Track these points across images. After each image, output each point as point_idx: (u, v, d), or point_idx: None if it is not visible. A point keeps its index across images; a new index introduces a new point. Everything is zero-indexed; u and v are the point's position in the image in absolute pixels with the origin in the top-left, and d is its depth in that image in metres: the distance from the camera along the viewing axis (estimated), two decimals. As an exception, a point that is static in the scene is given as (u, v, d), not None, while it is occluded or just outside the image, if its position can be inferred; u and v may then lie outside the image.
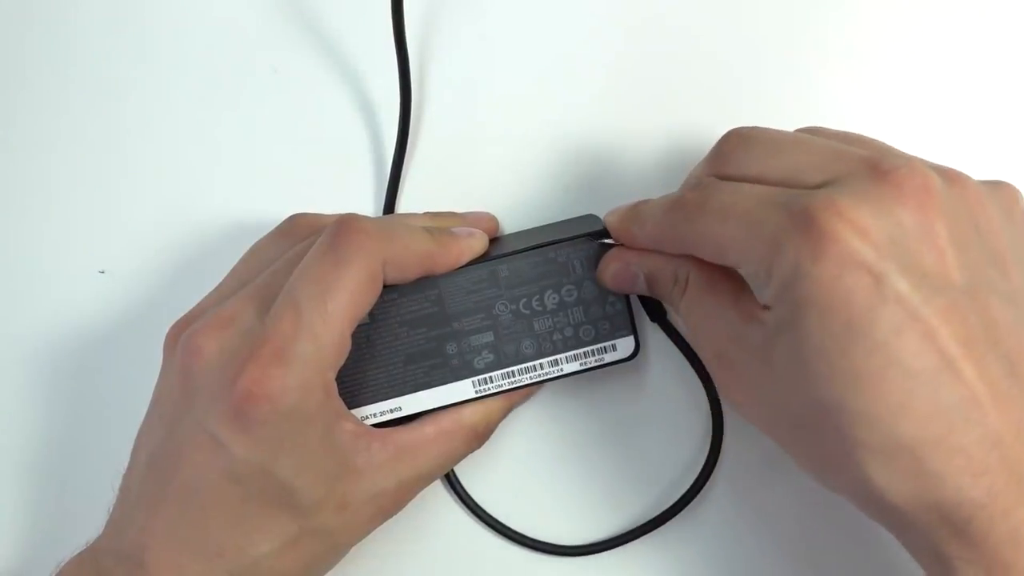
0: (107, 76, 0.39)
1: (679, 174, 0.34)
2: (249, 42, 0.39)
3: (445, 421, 0.34)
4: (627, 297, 0.34)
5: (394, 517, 0.33)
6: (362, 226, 0.31)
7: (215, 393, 0.29)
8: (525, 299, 0.34)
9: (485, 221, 0.37)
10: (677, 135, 0.37)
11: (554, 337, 0.34)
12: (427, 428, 0.33)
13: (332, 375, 0.30)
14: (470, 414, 0.34)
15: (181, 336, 0.31)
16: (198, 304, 0.33)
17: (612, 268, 0.33)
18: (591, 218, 0.36)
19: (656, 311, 0.35)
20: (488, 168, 0.38)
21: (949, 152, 0.31)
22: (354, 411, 0.33)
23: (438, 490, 0.37)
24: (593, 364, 0.34)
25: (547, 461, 0.37)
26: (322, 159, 0.39)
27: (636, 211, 0.32)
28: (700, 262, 0.30)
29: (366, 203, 0.38)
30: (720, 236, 0.28)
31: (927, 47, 0.37)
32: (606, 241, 0.34)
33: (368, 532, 0.33)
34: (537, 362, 0.34)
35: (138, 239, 0.39)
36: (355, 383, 0.34)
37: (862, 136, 0.30)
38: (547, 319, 0.34)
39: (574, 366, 0.34)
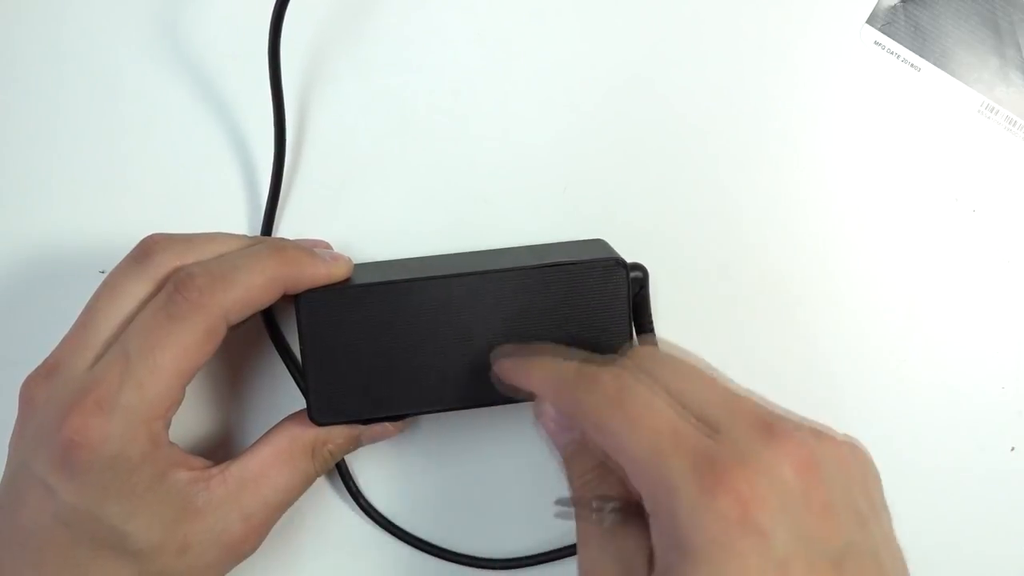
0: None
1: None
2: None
3: (282, 440, 0.34)
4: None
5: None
6: (197, 283, 0.31)
7: (43, 440, 0.31)
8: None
9: (322, 245, 0.38)
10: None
11: None
12: (263, 450, 0.34)
13: (160, 424, 0.32)
14: (306, 433, 0.35)
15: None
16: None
17: (546, 425, 0.32)
18: (600, 243, 0.37)
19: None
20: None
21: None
22: None
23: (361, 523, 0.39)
24: None
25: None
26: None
27: (536, 363, 0.31)
28: (628, 501, 0.29)
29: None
30: (623, 442, 0.27)
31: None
32: (634, 274, 0.35)
33: (222, 574, 0.34)
34: None
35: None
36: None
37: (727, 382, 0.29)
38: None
39: None
